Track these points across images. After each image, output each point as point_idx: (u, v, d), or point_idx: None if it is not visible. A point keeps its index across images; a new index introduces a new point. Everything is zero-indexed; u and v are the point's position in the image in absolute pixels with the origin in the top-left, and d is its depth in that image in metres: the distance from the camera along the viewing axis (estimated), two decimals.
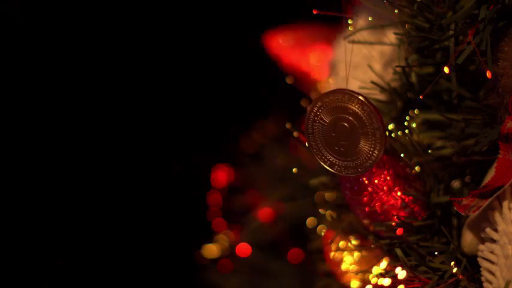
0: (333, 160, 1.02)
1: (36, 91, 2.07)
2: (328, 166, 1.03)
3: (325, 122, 1.01)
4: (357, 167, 1.01)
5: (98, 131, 2.09)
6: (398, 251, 1.05)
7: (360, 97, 0.98)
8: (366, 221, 1.11)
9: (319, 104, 1.01)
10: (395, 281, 1.05)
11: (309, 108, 1.01)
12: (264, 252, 1.65)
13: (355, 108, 0.99)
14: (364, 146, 1.00)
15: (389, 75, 1.15)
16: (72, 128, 2.09)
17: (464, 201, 1.00)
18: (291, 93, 1.49)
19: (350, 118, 1.00)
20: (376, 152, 0.99)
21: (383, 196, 1.08)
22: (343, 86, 1.01)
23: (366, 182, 1.08)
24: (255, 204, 1.67)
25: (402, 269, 1.04)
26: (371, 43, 1.16)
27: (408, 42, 1.08)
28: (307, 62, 1.56)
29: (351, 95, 0.99)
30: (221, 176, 1.75)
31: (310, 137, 1.03)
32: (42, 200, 2.07)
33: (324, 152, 1.02)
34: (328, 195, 1.20)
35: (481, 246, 1.01)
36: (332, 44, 1.46)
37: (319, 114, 1.01)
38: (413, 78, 1.11)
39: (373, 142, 0.99)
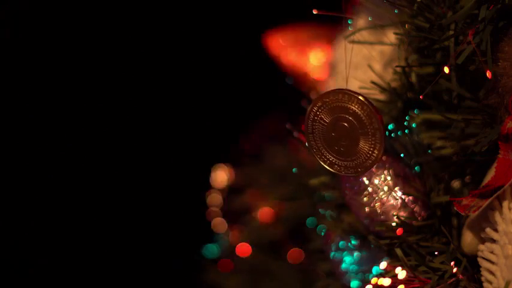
0: (333, 160, 1.02)
1: (36, 91, 2.07)
2: (328, 166, 1.03)
3: (325, 121, 1.01)
4: (356, 166, 1.01)
5: (98, 131, 2.09)
6: (398, 251, 1.05)
7: (360, 97, 0.99)
8: (366, 221, 1.11)
9: (319, 103, 1.01)
10: (395, 281, 1.05)
11: (309, 108, 1.01)
12: (264, 252, 1.65)
13: (355, 108, 0.99)
14: (363, 146, 1.00)
15: (389, 75, 1.15)
16: (72, 128, 2.09)
17: (464, 201, 1.00)
18: (291, 93, 1.49)
19: (350, 118, 1.00)
20: (376, 152, 0.99)
21: (383, 196, 1.08)
22: (343, 86, 1.02)
23: (366, 182, 1.08)
24: (255, 204, 1.67)
25: (402, 269, 1.04)
26: (371, 43, 1.16)
27: (408, 42, 1.08)
28: (307, 62, 1.56)
29: (351, 95, 0.99)
30: (221, 176, 1.76)
31: (310, 137, 1.03)
32: (42, 200, 2.07)
33: (324, 152, 1.02)
34: (328, 195, 1.20)
35: (481, 246, 1.01)
36: (332, 44, 1.46)
37: (319, 114, 1.01)
38: (413, 78, 1.11)
39: (372, 142, 0.99)
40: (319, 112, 1.01)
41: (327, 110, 1.01)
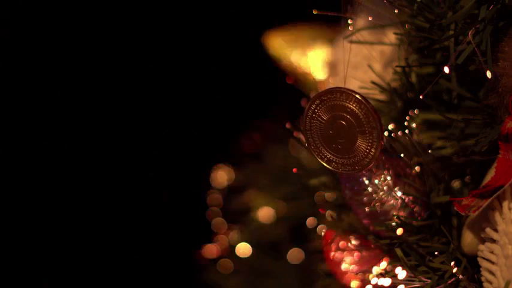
0: (330, 157, 1.03)
1: (36, 91, 2.07)
2: (325, 163, 1.03)
3: (323, 119, 1.02)
4: (354, 164, 1.02)
5: (98, 131, 2.09)
6: (398, 251, 1.05)
7: (357, 96, 0.99)
8: (366, 221, 1.11)
9: (317, 101, 1.01)
10: (395, 281, 1.05)
11: (307, 106, 1.02)
12: (264, 252, 1.65)
13: (352, 106, 0.99)
14: (361, 144, 1.00)
15: (389, 75, 1.15)
16: (72, 128, 2.09)
17: (464, 201, 1.00)
18: (291, 93, 1.49)
19: (347, 116, 1.00)
20: (373, 151, 1.00)
21: (383, 196, 1.08)
22: (342, 85, 1.02)
23: (366, 182, 1.08)
24: (255, 204, 1.67)
25: (402, 269, 1.04)
26: (371, 43, 1.16)
27: (408, 42, 1.08)
28: (307, 62, 1.56)
29: (349, 93, 0.99)
30: (221, 176, 1.75)
31: (308, 134, 1.03)
32: (42, 200, 2.07)
33: (322, 149, 1.03)
34: (328, 195, 1.20)
35: (481, 246, 1.01)
36: (332, 44, 1.46)
37: (317, 112, 1.02)
38: (413, 78, 1.11)
39: (370, 141, 1.00)
40: (317, 110, 1.02)
41: (325, 108, 1.01)
